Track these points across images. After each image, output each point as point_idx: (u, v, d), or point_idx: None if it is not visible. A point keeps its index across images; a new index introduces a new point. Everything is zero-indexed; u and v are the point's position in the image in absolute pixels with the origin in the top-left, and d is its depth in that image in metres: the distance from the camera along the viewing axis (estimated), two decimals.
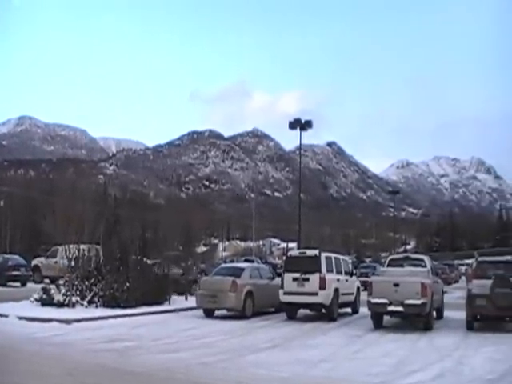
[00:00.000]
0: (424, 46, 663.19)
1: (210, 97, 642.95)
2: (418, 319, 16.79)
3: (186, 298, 24.22)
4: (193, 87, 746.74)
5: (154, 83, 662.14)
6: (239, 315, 19.31)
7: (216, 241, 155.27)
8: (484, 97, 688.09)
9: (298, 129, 44.70)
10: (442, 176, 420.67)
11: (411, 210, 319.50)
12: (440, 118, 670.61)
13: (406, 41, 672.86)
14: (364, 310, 18.39)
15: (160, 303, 22.01)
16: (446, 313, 20.06)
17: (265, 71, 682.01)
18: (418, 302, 15.96)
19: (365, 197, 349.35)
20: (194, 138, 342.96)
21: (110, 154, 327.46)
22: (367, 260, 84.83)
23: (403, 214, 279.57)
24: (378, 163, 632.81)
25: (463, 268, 61.83)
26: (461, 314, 17.51)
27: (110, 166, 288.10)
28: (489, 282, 16.09)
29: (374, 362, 11.26)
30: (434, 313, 18.07)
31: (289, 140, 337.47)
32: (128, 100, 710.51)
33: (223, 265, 27.92)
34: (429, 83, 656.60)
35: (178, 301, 23.41)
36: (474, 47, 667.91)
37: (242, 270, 20.74)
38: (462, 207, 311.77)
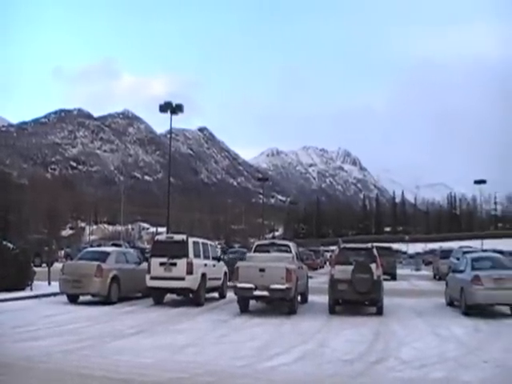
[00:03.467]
0: (293, 38, 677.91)
1: (74, 74, 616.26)
2: (283, 303, 17.14)
3: (49, 283, 23.36)
4: (55, 63, 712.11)
5: (15, 55, 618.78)
6: (104, 301, 18.86)
7: (83, 224, 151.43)
8: (350, 91, 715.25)
9: (169, 112, 44.33)
10: (311, 165, 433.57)
11: (280, 197, 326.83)
12: (309, 109, 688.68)
13: (277, 30, 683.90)
14: (231, 294, 18.54)
15: (21, 289, 21.10)
16: (311, 297, 20.65)
17: (132, 52, 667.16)
18: (283, 286, 16.29)
19: (235, 183, 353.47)
20: (62, 117, 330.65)
21: None
22: (236, 246, 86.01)
23: (272, 200, 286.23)
24: (249, 150, 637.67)
25: (328, 254, 64.17)
26: (324, 299, 18.11)
27: None
28: (350, 268, 16.76)
29: (239, 346, 11.36)
30: (299, 297, 18.56)
31: (160, 123, 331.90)
32: None
33: (88, 249, 27.14)
34: (298, 74, 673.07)
35: (40, 286, 22.54)
36: (342, 43, 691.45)
37: (108, 254, 20.23)
38: (328, 196, 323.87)
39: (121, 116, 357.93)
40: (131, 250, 27.76)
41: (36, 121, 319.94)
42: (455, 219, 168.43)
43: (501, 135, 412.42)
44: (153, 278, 18.84)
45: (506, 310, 17.26)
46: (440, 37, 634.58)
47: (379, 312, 16.98)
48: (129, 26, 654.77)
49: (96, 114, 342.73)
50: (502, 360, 10.29)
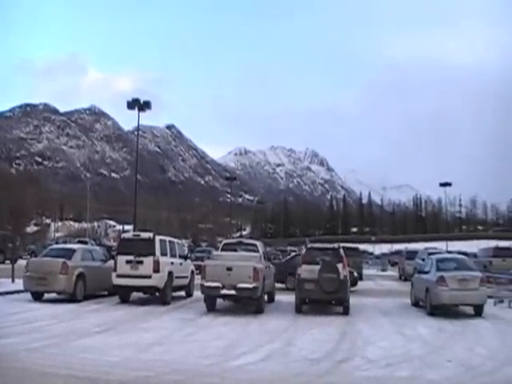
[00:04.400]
0: (263, 37, 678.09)
1: (40, 68, 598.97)
2: (250, 302, 17.15)
3: (13, 280, 23.01)
4: (20, 55, 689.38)
5: None
6: (70, 298, 18.63)
7: (48, 221, 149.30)
8: (319, 91, 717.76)
9: (137, 109, 43.98)
10: (278, 165, 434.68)
11: (248, 196, 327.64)
12: (277, 109, 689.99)
13: (243, 29, 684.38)
14: (198, 293, 18.48)
15: None
16: (278, 297, 20.68)
17: (99, 48, 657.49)
18: (250, 285, 16.29)
19: (202, 182, 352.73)
20: (27, 111, 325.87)
21: None
22: (203, 244, 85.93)
23: (240, 200, 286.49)
24: (217, 149, 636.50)
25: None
26: (291, 298, 18.15)
27: None
28: (317, 268, 16.85)
29: (205, 345, 11.33)
30: (266, 296, 18.59)
31: (128, 120, 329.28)
32: None
33: (54, 246, 26.80)
34: (267, 73, 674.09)
35: (3, 283, 22.18)
36: (312, 43, 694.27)
37: (74, 251, 19.97)
38: (296, 196, 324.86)
39: (87, 112, 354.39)
40: (97, 248, 27.55)
41: (0, 115, 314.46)
42: (421, 221, 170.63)
43: (466, 139, 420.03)
44: (119, 276, 18.63)
45: (469, 310, 17.55)
46: (408, 39, 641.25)
47: (345, 311, 17.09)
48: (95, 21, 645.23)
49: (62, 110, 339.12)
50: (466, 359, 10.44)
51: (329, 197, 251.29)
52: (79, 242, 46.39)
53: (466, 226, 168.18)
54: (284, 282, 24.85)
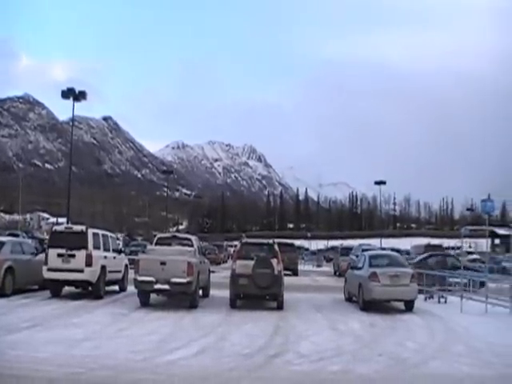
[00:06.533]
0: (201, 31, 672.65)
1: None
2: (184, 297, 17.07)
3: None
4: None
5: None
6: None
7: None
8: (257, 88, 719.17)
9: (72, 99, 43.00)
10: (216, 160, 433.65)
11: (185, 190, 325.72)
12: (215, 104, 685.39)
13: (182, 23, 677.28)
14: (132, 287, 18.26)
15: None
16: (213, 291, 20.64)
17: (30, 33, 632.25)
18: (184, 280, 16.22)
19: (139, 175, 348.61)
20: None
21: None
22: (139, 238, 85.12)
23: (177, 194, 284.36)
24: (154, 142, 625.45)
25: (232, 249, 64.41)
26: (226, 293, 18.14)
27: None
28: (251, 263, 16.91)
29: (138, 340, 11.22)
30: (200, 291, 18.55)
31: (63, 110, 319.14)
32: None
33: None
34: (205, 68, 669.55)
35: None
36: (252, 40, 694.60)
37: (2, 244, 19.31)
38: (233, 191, 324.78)
39: (21, 100, 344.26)
40: (28, 241, 26.90)
41: None
42: (356, 218, 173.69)
43: (401, 139, 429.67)
44: (50, 270, 18.20)
45: (400, 305, 17.97)
46: (345, 38, 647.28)
47: (279, 306, 17.22)
48: (28, 5, 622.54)
49: None
50: (395, 353, 10.70)
51: (266, 193, 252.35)
52: (10, 234, 45.09)
53: (399, 223, 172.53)
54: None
